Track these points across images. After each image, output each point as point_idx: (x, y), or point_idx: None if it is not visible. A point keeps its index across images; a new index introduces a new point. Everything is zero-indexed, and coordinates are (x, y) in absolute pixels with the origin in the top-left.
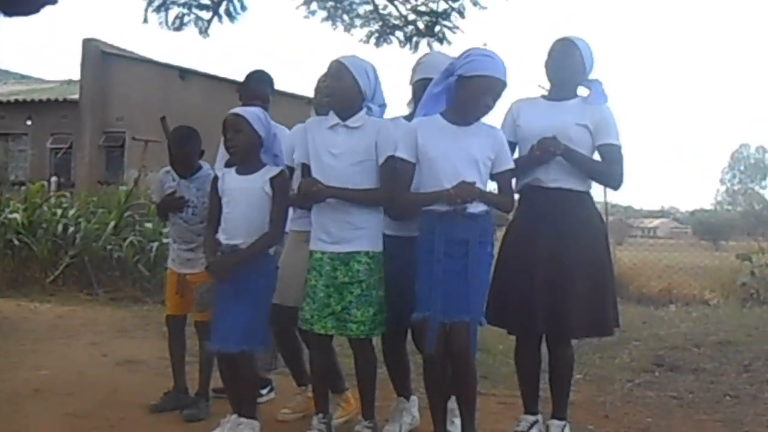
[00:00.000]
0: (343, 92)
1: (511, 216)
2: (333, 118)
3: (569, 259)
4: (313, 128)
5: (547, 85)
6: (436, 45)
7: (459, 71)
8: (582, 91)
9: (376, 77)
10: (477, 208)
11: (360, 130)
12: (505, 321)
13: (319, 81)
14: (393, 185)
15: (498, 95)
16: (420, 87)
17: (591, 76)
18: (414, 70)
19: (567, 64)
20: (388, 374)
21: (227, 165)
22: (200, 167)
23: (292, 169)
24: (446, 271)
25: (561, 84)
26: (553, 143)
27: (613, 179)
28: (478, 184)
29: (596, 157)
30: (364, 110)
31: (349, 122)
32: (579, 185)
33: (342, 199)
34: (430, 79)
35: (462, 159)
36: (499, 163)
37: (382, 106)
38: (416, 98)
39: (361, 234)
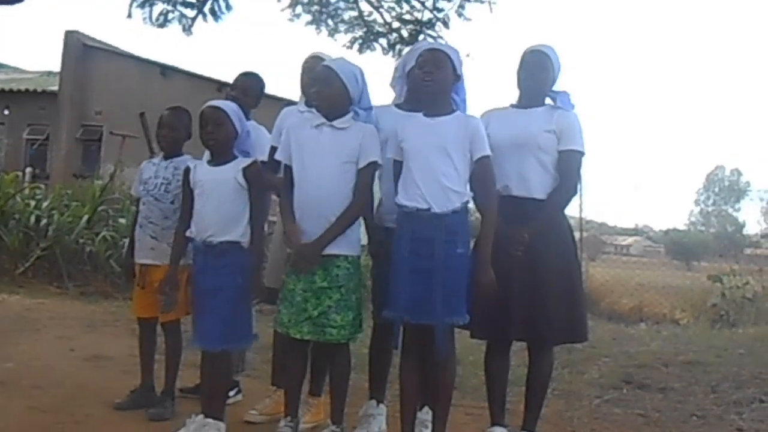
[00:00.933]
0: (332, 98)
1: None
2: (318, 118)
3: (543, 266)
4: (296, 128)
5: (517, 93)
6: None
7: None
8: (549, 101)
9: (364, 81)
10: (443, 207)
11: (346, 132)
12: (479, 327)
13: (304, 70)
14: (365, 193)
15: (434, 67)
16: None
17: (560, 86)
18: (407, 60)
19: (538, 76)
20: (368, 374)
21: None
22: (182, 153)
23: (275, 149)
24: (413, 269)
25: (530, 93)
26: (518, 242)
27: (566, 198)
28: (452, 173)
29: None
30: (351, 114)
31: (336, 123)
32: (547, 194)
33: (332, 238)
34: None
35: (433, 149)
36: (475, 151)
37: (368, 109)
38: (411, 84)
39: (340, 238)
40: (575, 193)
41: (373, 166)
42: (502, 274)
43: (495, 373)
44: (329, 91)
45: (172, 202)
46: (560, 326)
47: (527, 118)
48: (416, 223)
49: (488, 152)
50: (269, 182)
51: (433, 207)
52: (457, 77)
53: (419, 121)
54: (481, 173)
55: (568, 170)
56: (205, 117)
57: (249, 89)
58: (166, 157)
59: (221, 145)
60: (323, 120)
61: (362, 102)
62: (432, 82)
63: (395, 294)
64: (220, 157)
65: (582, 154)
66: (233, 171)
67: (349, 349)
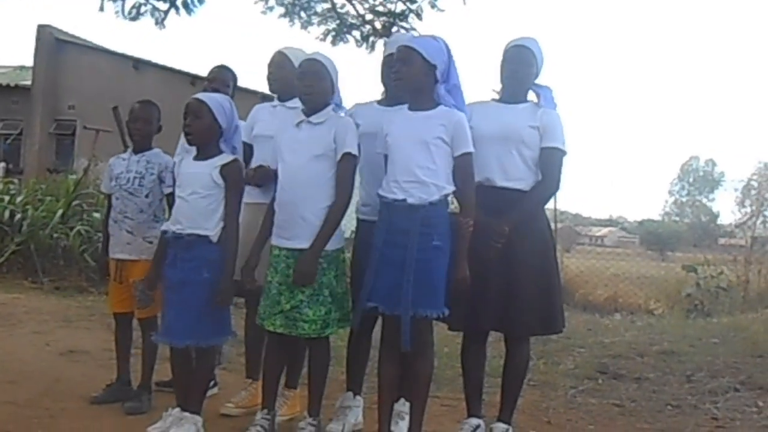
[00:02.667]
0: (324, 93)
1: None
2: (299, 116)
3: (520, 257)
4: (281, 130)
5: (499, 87)
6: None
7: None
8: (532, 95)
9: (337, 74)
10: (419, 199)
11: (322, 126)
12: (455, 318)
13: (270, 68)
14: (348, 184)
15: (399, 65)
16: (389, 62)
17: (542, 80)
18: (385, 47)
19: (521, 70)
20: (345, 366)
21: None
22: (152, 147)
23: (251, 147)
24: (386, 260)
25: (514, 88)
26: (497, 235)
27: (548, 193)
28: (430, 167)
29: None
30: (331, 106)
31: (313, 118)
32: (528, 186)
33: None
34: None
35: (413, 143)
36: (456, 146)
37: (339, 105)
38: (386, 73)
39: (314, 230)
40: (557, 189)
41: (349, 157)
42: (479, 265)
43: (471, 364)
44: (322, 85)
45: (146, 196)
46: (536, 317)
47: (512, 113)
48: (393, 214)
49: (471, 149)
50: (246, 178)
51: (408, 198)
52: (433, 67)
53: (403, 115)
54: (461, 169)
55: (550, 167)
56: (187, 108)
57: (226, 81)
58: (135, 151)
59: (198, 137)
60: (302, 117)
61: (335, 97)
62: (400, 81)
63: (369, 283)
64: (202, 151)
65: (564, 153)
66: (210, 167)
67: (329, 343)
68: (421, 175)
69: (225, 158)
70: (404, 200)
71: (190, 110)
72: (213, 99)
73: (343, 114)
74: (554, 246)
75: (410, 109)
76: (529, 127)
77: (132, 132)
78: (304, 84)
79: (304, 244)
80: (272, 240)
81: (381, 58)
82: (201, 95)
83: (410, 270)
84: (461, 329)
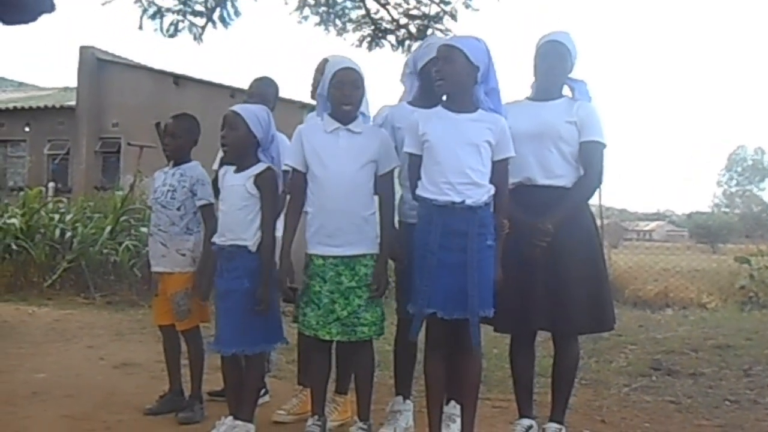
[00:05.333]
0: (360, 103)
1: None
2: (332, 123)
3: (566, 255)
4: (308, 134)
5: (530, 81)
6: None
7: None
8: (566, 90)
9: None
10: (476, 200)
11: (362, 135)
12: (502, 319)
13: (316, 73)
14: (393, 196)
15: (442, 63)
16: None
17: (578, 73)
18: (419, 56)
19: (556, 66)
20: (393, 370)
21: (223, 163)
22: (190, 160)
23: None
24: (443, 264)
25: (548, 84)
26: (542, 234)
27: (591, 189)
28: (481, 170)
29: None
30: (360, 117)
31: (352, 126)
32: (570, 183)
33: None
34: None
35: (462, 145)
36: (499, 150)
37: (364, 113)
38: (424, 81)
39: (363, 236)
40: (600, 183)
41: (393, 172)
42: (525, 265)
43: (520, 365)
44: (358, 94)
45: (178, 209)
46: (585, 316)
47: (547, 110)
48: (448, 216)
49: (512, 153)
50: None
51: (467, 200)
52: (475, 68)
53: (443, 115)
54: (500, 172)
55: (591, 161)
56: (223, 121)
57: (266, 94)
58: (174, 165)
59: (233, 148)
60: (338, 125)
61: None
62: (443, 81)
63: (424, 289)
64: (238, 162)
65: (604, 145)
66: (245, 178)
67: (373, 346)
68: (474, 177)
69: (258, 168)
70: (463, 202)
71: (226, 122)
72: (248, 110)
73: (369, 119)
74: (601, 242)
75: (449, 109)
76: (566, 122)
77: (164, 147)
78: (343, 93)
79: (358, 251)
80: (312, 249)
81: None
82: (237, 107)
83: (473, 272)
84: (509, 331)
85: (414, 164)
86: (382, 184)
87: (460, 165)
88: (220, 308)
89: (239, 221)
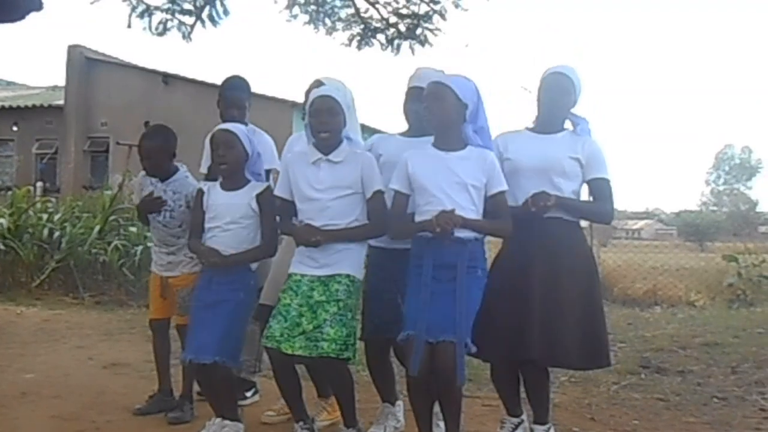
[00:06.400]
0: (339, 130)
1: None
2: (315, 153)
3: (563, 288)
4: (294, 164)
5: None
6: (417, 47)
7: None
8: (567, 123)
9: (350, 101)
10: (466, 233)
11: (343, 164)
12: (490, 347)
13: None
14: (383, 218)
15: (430, 100)
16: (414, 94)
17: (580, 110)
18: (409, 79)
19: (561, 100)
20: (375, 387)
21: (207, 178)
22: (176, 170)
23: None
24: (434, 293)
25: (552, 116)
26: (544, 197)
27: (604, 216)
28: (471, 208)
29: (586, 190)
30: (345, 142)
31: (331, 156)
32: (569, 215)
33: (340, 240)
34: (422, 88)
35: (451, 184)
36: (492, 186)
37: (349, 137)
38: (408, 106)
39: (343, 257)
40: (611, 219)
41: (379, 194)
42: (520, 296)
43: (505, 386)
44: (336, 121)
45: (180, 226)
46: (576, 352)
47: (551, 144)
48: (437, 249)
49: (505, 187)
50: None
51: (456, 232)
52: (464, 106)
53: (432, 154)
54: (498, 205)
55: (603, 195)
56: (215, 140)
57: (241, 100)
58: (152, 175)
59: (232, 167)
60: (320, 155)
61: (350, 126)
62: (432, 117)
63: (413, 317)
64: (232, 181)
65: (609, 181)
66: (247, 197)
67: (346, 365)
68: (464, 214)
69: (258, 186)
70: (452, 233)
71: (221, 142)
72: (239, 129)
73: (355, 146)
74: (598, 278)
75: (438, 147)
76: (570, 158)
77: (143, 166)
78: (319, 122)
79: (332, 271)
80: (293, 268)
81: (405, 89)
82: (227, 126)
83: (463, 300)
84: (496, 360)
85: (399, 202)
86: (372, 207)
87: (452, 204)
88: (204, 318)
89: (243, 238)
